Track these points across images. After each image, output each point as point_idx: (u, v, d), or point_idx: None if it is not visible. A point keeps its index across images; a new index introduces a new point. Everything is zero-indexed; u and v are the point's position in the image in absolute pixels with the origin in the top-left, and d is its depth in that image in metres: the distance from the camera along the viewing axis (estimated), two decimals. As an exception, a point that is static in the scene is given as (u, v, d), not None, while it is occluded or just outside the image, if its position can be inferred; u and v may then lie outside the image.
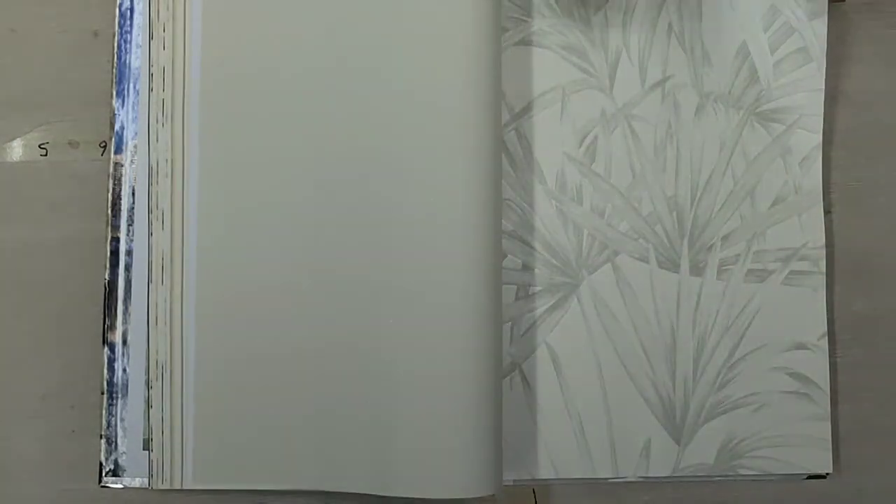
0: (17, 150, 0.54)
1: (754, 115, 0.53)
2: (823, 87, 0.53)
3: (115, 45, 0.53)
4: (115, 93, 0.53)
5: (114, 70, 0.53)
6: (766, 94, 0.53)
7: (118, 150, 0.53)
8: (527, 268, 0.52)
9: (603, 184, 0.53)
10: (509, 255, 0.52)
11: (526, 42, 0.54)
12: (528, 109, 0.53)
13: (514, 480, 0.51)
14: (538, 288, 0.52)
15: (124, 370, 0.51)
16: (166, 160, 0.51)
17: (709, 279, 0.53)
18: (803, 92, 0.53)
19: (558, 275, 0.52)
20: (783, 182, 0.53)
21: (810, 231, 0.53)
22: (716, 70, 0.53)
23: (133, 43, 0.53)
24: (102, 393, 0.51)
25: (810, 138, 0.53)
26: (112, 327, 0.52)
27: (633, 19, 0.54)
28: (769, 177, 0.53)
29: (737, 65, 0.54)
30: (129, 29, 0.53)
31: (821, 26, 0.53)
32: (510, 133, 0.53)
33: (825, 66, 0.53)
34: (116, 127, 0.53)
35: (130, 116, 0.53)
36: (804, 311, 0.53)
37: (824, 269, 0.53)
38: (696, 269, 0.53)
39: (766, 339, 0.52)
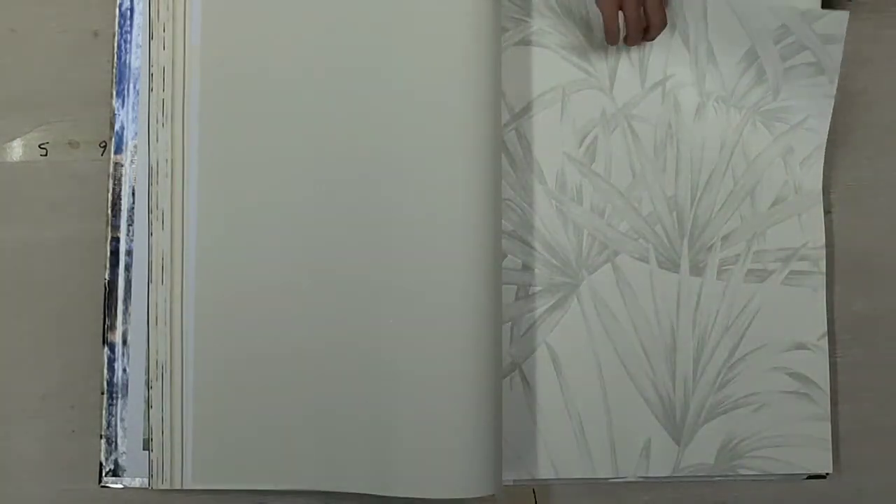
0: (17, 150, 0.54)
1: (758, 114, 0.53)
2: (834, 94, 0.53)
3: (115, 45, 0.53)
4: (115, 93, 0.53)
5: (114, 70, 0.53)
6: (773, 94, 0.53)
7: (118, 150, 0.53)
8: (527, 268, 0.52)
9: (603, 184, 0.53)
10: (509, 255, 0.52)
11: (526, 42, 0.54)
12: (527, 109, 0.53)
13: (514, 480, 0.51)
14: (538, 288, 0.52)
15: (124, 370, 0.51)
16: (166, 160, 0.50)
17: (709, 279, 0.53)
18: (813, 97, 0.53)
19: (558, 275, 0.52)
20: (783, 182, 0.53)
21: (810, 231, 0.53)
22: (721, 69, 0.53)
23: (133, 43, 0.53)
24: (102, 393, 0.51)
25: (813, 138, 0.53)
26: (112, 327, 0.52)
27: None
28: (769, 176, 0.53)
29: (743, 66, 0.53)
30: (129, 29, 0.53)
31: (836, 51, 0.53)
32: (510, 133, 0.53)
33: (837, 80, 0.53)
34: (116, 127, 0.53)
35: (130, 116, 0.53)
36: (804, 311, 0.53)
37: (824, 269, 0.53)
38: (696, 269, 0.53)
39: (766, 339, 0.52)
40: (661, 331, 0.52)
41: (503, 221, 0.52)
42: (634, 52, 0.53)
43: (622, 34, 0.51)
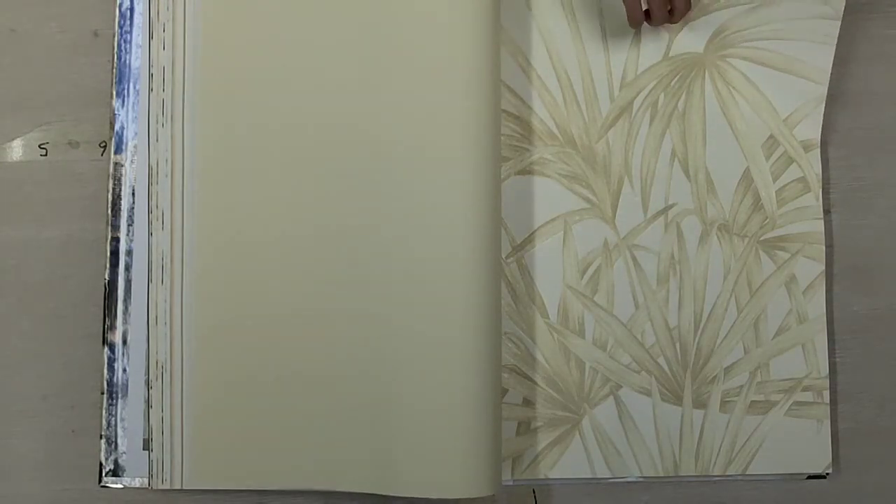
0: (17, 150, 0.54)
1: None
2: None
3: (115, 45, 0.53)
4: (115, 93, 0.53)
5: (114, 70, 0.53)
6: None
7: (118, 150, 0.53)
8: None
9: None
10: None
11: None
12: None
13: (515, 480, 0.51)
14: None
15: (124, 370, 0.51)
16: (166, 160, 0.51)
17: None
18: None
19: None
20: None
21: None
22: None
23: (133, 43, 0.53)
24: (102, 393, 0.51)
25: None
26: (112, 327, 0.52)
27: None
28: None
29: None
30: (129, 29, 0.53)
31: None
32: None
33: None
34: (116, 127, 0.53)
35: (130, 116, 0.53)
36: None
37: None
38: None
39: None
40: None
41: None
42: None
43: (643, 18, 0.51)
